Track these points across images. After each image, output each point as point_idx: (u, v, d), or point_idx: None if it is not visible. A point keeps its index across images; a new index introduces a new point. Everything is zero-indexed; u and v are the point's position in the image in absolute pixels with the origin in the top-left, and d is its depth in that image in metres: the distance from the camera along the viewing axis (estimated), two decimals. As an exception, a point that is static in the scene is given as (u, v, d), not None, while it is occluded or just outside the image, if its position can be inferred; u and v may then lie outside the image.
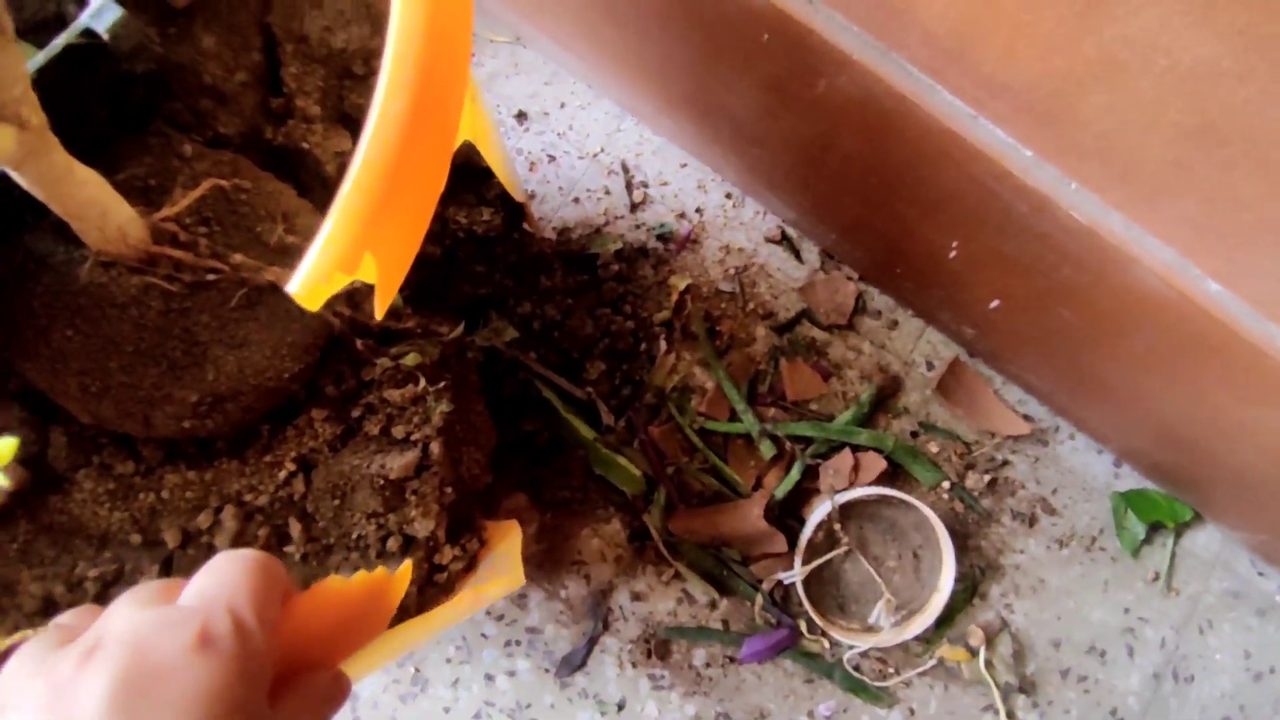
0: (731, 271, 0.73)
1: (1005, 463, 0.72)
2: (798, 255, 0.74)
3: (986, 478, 0.71)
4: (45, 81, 0.35)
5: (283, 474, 0.48)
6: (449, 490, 0.51)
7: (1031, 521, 0.71)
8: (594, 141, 0.75)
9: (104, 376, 0.43)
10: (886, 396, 0.72)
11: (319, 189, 0.51)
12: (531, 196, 0.73)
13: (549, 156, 0.74)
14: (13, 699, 0.25)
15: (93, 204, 0.38)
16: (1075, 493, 0.72)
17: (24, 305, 0.43)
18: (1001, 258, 0.56)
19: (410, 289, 0.54)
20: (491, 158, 0.49)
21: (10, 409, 0.45)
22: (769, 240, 0.74)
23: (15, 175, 0.34)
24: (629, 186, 0.74)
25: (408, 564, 0.36)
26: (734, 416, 0.70)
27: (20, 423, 0.44)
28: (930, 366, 0.73)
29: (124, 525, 0.46)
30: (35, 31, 0.41)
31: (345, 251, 0.30)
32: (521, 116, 0.75)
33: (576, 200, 0.73)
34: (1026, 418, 0.72)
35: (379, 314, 0.34)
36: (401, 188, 0.31)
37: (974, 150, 0.49)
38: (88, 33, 0.38)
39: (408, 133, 0.31)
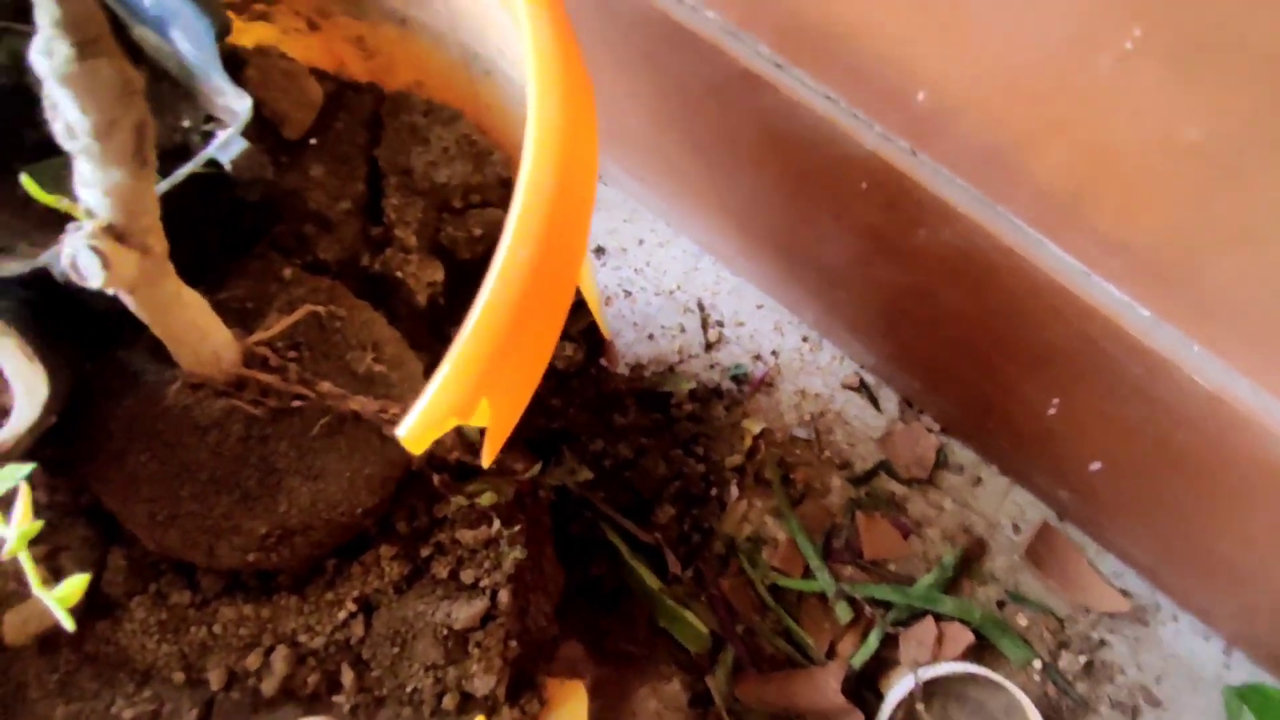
0: (807, 417, 0.71)
1: (1102, 643, 0.66)
2: (876, 403, 0.71)
3: (1082, 659, 0.65)
4: (165, 207, 0.36)
5: (343, 614, 0.45)
6: (513, 644, 0.47)
7: (1134, 714, 0.64)
8: (671, 279, 0.74)
9: (173, 505, 0.41)
10: (971, 560, 0.67)
11: (409, 318, 0.50)
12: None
13: (625, 292, 0.74)
14: None
15: (193, 327, 0.38)
16: (1181, 682, 0.65)
17: (105, 425, 0.42)
18: (1108, 419, 0.53)
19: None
20: (587, 292, 0.48)
21: (76, 527, 0.43)
22: (846, 387, 0.72)
23: (125, 298, 0.33)
24: (704, 325, 0.73)
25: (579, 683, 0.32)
26: (808, 573, 0.66)
27: (83, 542, 0.42)
28: (1017, 529, 0.68)
29: (170, 661, 0.43)
30: (160, 160, 0.41)
31: (462, 397, 0.28)
32: (600, 252, 0.76)
33: (651, 337, 0.73)
34: (1124, 593, 0.66)
35: (487, 460, 0.31)
36: (522, 333, 0.30)
37: (1086, 307, 0.47)
38: (211, 162, 0.38)
39: (532, 278, 0.30)
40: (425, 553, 0.47)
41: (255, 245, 0.49)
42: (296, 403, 0.43)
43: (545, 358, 0.33)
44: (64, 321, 0.41)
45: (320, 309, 0.45)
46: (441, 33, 0.46)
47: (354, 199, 0.51)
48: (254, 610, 0.44)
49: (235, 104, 0.40)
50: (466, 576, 0.47)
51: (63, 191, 0.42)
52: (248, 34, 0.46)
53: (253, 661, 0.44)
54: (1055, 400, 0.56)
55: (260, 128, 0.47)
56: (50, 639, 0.42)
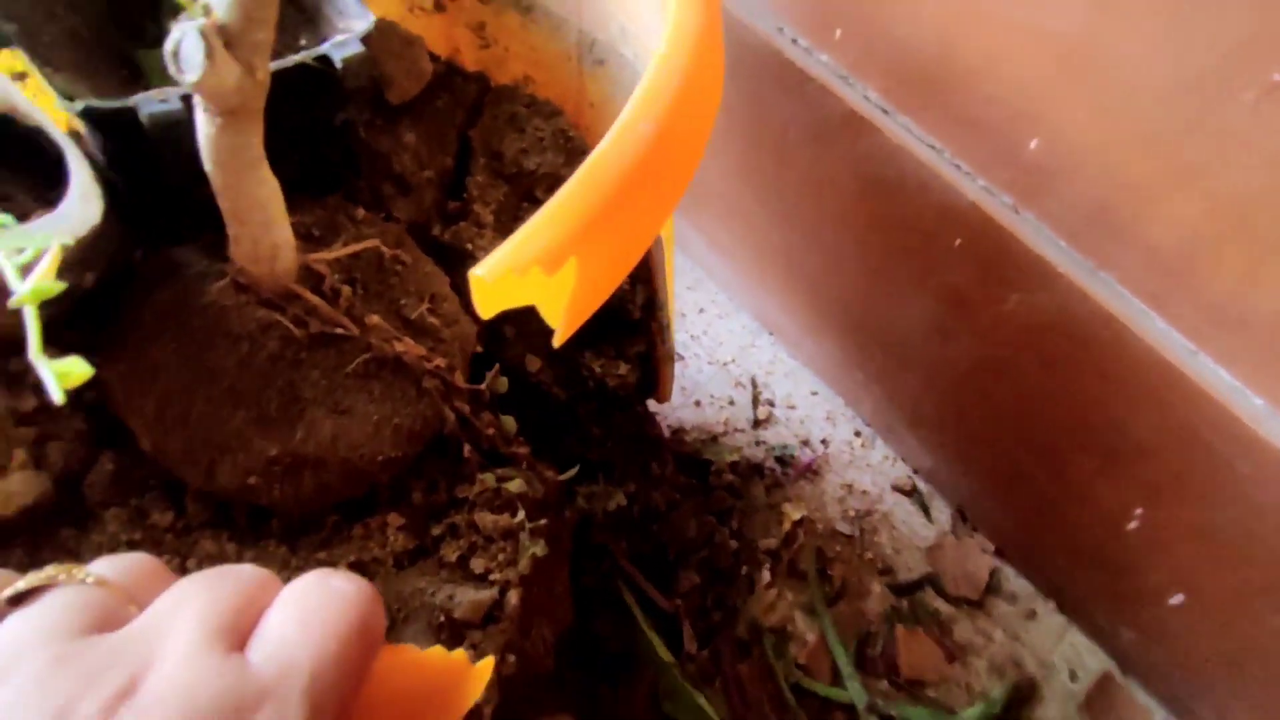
0: (851, 513, 0.66)
1: (1167, 825, 0.57)
2: (927, 512, 0.66)
3: (1143, 839, 0.56)
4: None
5: (331, 579, 0.40)
6: (511, 658, 0.41)
7: None
8: (726, 351, 0.72)
9: (186, 404, 0.38)
10: (1021, 701, 0.60)
11: (467, 293, 0.48)
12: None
13: (678, 355, 0.71)
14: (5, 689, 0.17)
15: (261, 208, 0.35)
16: None
17: (137, 313, 0.39)
18: (1201, 535, 0.48)
19: (524, 422, 0.48)
20: (667, 293, 0.46)
21: (73, 420, 0.39)
22: (897, 489, 0.67)
23: (209, 146, 0.32)
24: (755, 402, 0.70)
25: (490, 660, 0.27)
26: (836, 679, 0.59)
27: (76, 435, 0.38)
28: (1074, 676, 0.61)
29: (129, 592, 0.38)
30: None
31: (552, 246, 0.26)
32: (656, 316, 0.74)
33: (698, 404, 0.69)
34: (1194, 770, 0.58)
35: (559, 340, 0.28)
36: (623, 208, 0.27)
37: (1189, 390, 0.44)
38: (323, 59, 0.38)
39: (645, 156, 0.27)
40: (436, 532, 0.42)
41: (329, 195, 0.48)
42: (339, 331, 0.40)
43: (638, 252, 0.30)
44: (130, 199, 0.39)
45: (386, 249, 0.43)
46: (564, 18, 0.47)
47: (438, 171, 0.50)
48: (236, 550, 0.39)
49: (357, 24, 0.40)
50: (477, 565, 0.42)
51: (165, 78, 0.42)
52: (374, 5, 0.47)
53: (219, 610, 0.38)
54: (1138, 511, 0.51)
55: (368, 82, 0.47)
56: (3, 533, 0.37)
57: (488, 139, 0.51)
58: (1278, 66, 0.34)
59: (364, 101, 0.43)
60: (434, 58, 0.53)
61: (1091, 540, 0.56)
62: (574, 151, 0.51)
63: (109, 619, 0.19)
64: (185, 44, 0.27)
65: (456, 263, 0.49)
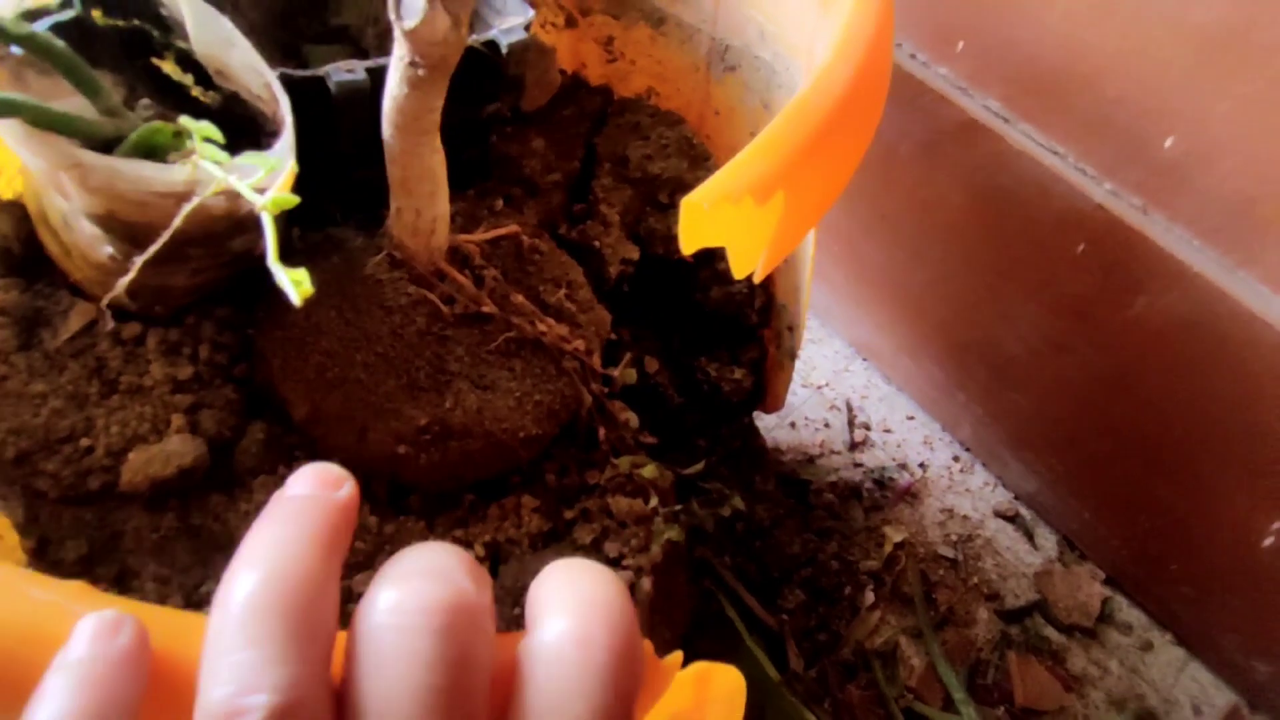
0: (953, 538, 0.64)
1: None
2: (1031, 538, 0.65)
3: None
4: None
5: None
6: (643, 647, 0.40)
7: None
8: (820, 375, 0.72)
9: (345, 367, 0.38)
10: (1144, 736, 0.57)
11: (597, 285, 0.48)
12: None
13: (771, 378, 0.71)
14: None
15: (430, 177, 0.37)
16: None
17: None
18: (1348, 548, 0.46)
19: (647, 420, 0.48)
20: (805, 289, 0.46)
21: (225, 389, 0.39)
22: (999, 515, 0.65)
23: (394, 108, 0.33)
24: (850, 425, 0.69)
25: (678, 655, 0.26)
26: (948, 705, 0.56)
27: (228, 404, 0.39)
28: (1197, 711, 0.58)
29: (273, 561, 0.38)
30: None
31: (763, 178, 0.26)
32: (746, 341, 0.74)
33: (793, 425, 0.69)
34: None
35: (760, 276, 0.28)
36: (825, 150, 0.28)
37: (1339, 391, 0.43)
38: (489, 44, 0.39)
39: (843, 100, 0.28)
40: (569, 515, 0.42)
41: (464, 189, 0.49)
42: (485, 309, 0.41)
43: (834, 194, 0.30)
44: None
45: (525, 236, 0.45)
46: (696, 28, 0.49)
47: (565, 174, 0.52)
48: (378, 523, 0.39)
49: (516, 18, 0.42)
50: (610, 549, 0.41)
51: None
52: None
53: (361, 582, 0.38)
54: (1275, 525, 0.49)
55: (505, 89, 0.49)
56: (159, 496, 0.37)
57: (612, 145, 0.53)
58: None
59: (516, 93, 0.44)
60: (560, 72, 0.56)
61: (1221, 562, 0.54)
62: (697, 158, 0.52)
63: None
64: (409, -9, 0.28)
65: (584, 258, 0.50)
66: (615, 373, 0.45)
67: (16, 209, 0.41)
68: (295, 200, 0.25)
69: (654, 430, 0.53)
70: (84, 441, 0.37)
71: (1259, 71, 0.39)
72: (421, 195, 0.37)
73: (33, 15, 0.33)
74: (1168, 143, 0.44)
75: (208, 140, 0.27)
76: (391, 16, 0.29)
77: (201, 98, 0.35)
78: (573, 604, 0.18)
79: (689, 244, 0.27)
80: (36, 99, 0.28)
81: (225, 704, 0.15)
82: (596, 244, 0.49)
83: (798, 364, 0.72)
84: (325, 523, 0.18)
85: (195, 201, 0.26)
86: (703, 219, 0.26)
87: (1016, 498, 0.66)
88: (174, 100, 0.37)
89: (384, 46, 0.45)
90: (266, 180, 0.26)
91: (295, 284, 0.24)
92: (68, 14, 0.33)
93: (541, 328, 0.42)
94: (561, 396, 0.42)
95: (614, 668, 0.17)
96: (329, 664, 0.17)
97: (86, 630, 0.17)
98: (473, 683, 0.16)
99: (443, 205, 0.39)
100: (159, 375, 0.39)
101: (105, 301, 0.35)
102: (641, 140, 0.53)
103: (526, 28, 0.41)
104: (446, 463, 0.39)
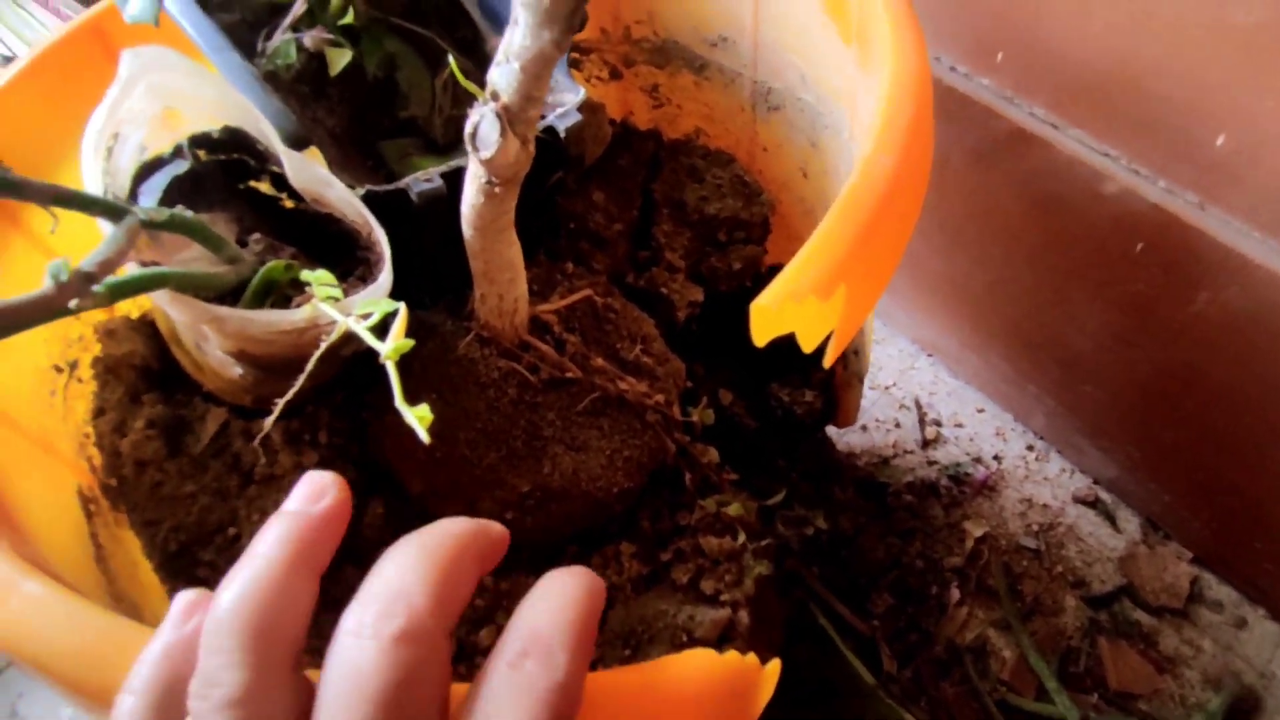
0: (1034, 528, 0.65)
1: None
2: (1114, 522, 0.65)
3: None
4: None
5: (577, 604, 0.43)
6: (745, 675, 0.43)
7: None
8: (886, 375, 0.73)
9: (451, 446, 0.42)
10: (1243, 712, 0.57)
11: (668, 331, 0.51)
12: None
13: (839, 383, 0.73)
14: None
15: (510, 266, 0.40)
16: None
17: (404, 365, 0.44)
18: None
19: (727, 449, 0.51)
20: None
21: (346, 470, 0.44)
22: (1079, 501, 0.66)
23: (472, 214, 0.36)
24: (921, 423, 0.70)
25: (777, 662, 0.29)
26: (1041, 695, 0.58)
27: (349, 484, 0.43)
28: (1297, 685, 0.58)
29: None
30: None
31: (824, 276, 0.28)
32: (811, 346, 0.76)
33: (865, 428, 0.71)
34: None
35: (829, 361, 0.31)
36: (879, 232, 0.30)
37: None
38: (548, 130, 0.42)
39: (890, 183, 0.30)
40: (665, 557, 0.45)
41: (535, 254, 0.52)
42: (569, 374, 0.44)
43: (890, 272, 0.32)
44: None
45: (598, 298, 0.47)
46: (737, 73, 0.51)
47: (627, 223, 0.54)
48: (494, 581, 0.43)
49: (568, 96, 0.45)
50: (707, 587, 0.44)
51: (405, 164, 0.47)
52: (555, 80, 0.52)
53: (485, 637, 0.42)
54: (1361, 504, 0.49)
55: (561, 152, 0.52)
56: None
57: (669, 191, 0.55)
58: None
59: (578, 165, 0.47)
60: (610, 121, 0.58)
61: (1307, 540, 0.54)
62: (751, 195, 0.54)
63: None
64: (483, 126, 0.31)
65: (652, 306, 0.52)
66: (695, 417, 0.48)
67: (147, 327, 0.46)
68: (411, 344, 0.28)
69: (733, 456, 0.56)
70: (231, 531, 0.42)
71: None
72: (503, 282, 0.41)
73: (150, 168, 0.37)
74: (1219, 140, 0.44)
75: (324, 284, 0.31)
76: (469, 148, 0.32)
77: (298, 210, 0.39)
78: (514, 630, 0.22)
79: (760, 338, 0.30)
80: (170, 256, 0.32)
81: (192, 697, 0.20)
82: (664, 290, 0.52)
83: (864, 366, 0.74)
84: (299, 538, 0.22)
85: (324, 347, 0.30)
86: (771, 318, 0.29)
87: (1095, 481, 0.67)
88: (275, 220, 0.41)
89: (449, 132, 0.48)
90: (381, 320, 0.30)
91: (420, 420, 0.27)
92: (182, 166, 0.36)
93: (623, 386, 0.45)
94: (648, 449, 0.45)
95: (544, 693, 0.20)
96: (291, 665, 0.21)
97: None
98: (416, 694, 0.20)
99: (522, 287, 0.42)
100: (287, 463, 0.43)
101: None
102: (696, 183, 0.55)
103: (580, 108, 0.43)
104: (550, 523, 0.43)
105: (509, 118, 0.32)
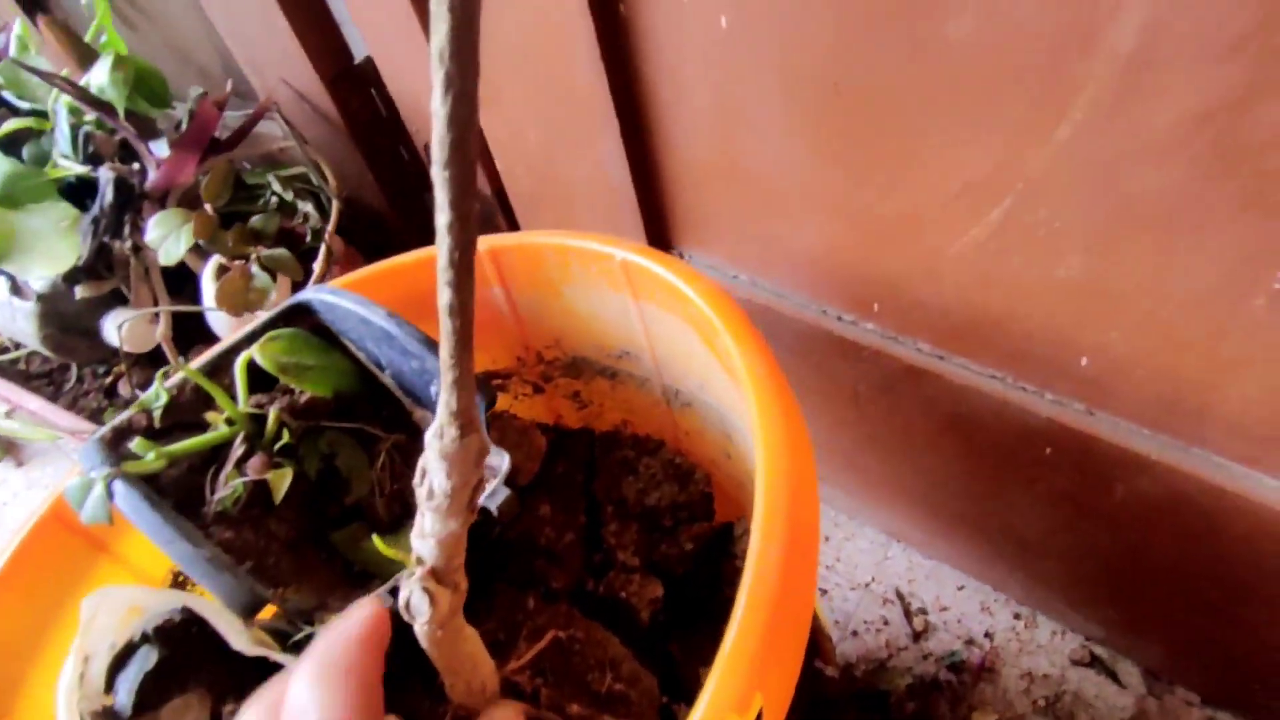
0: (1041, 702, 0.66)
1: None
2: (1116, 678, 0.66)
3: None
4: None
5: None
6: None
7: None
8: (863, 571, 0.75)
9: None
10: None
11: (633, 635, 0.53)
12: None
13: (820, 590, 0.75)
14: None
15: (469, 659, 0.42)
16: None
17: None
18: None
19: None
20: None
21: None
22: (1076, 663, 0.67)
23: (428, 633, 0.39)
24: (908, 615, 0.72)
25: None
26: None
27: None
28: (1341, 816, 0.58)
29: None
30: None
31: (739, 693, 0.31)
32: (786, 554, 0.78)
33: (855, 633, 0.72)
34: None
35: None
36: (781, 628, 0.33)
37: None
38: (482, 511, 0.45)
39: (783, 576, 0.33)
40: None
41: (493, 584, 0.55)
42: (549, 727, 0.45)
43: (799, 659, 0.35)
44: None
45: (562, 634, 0.49)
46: (646, 378, 0.55)
47: (576, 531, 0.57)
48: None
49: (494, 460, 0.48)
50: None
51: (357, 550, 0.50)
52: (482, 405, 0.56)
53: None
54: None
55: (496, 522, 0.55)
56: None
57: (609, 489, 0.58)
58: (1275, 277, 0.39)
59: (513, 516, 0.50)
60: (543, 426, 0.62)
61: (1297, 680, 0.55)
62: (684, 476, 0.58)
63: None
64: (414, 599, 0.34)
65: (615, 612, 0.54)
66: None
67: None
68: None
69: None
70: None
71: (1128, 307, 0.44)
72: (466, 672, 0.43)
73: (122, 657, 0.39)
74: (1084, 362, 0.48)
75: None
76: (405, 617, 0.34)
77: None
78: None
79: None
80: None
81: None
82: (623, 594, 0.54)
83: (840, 567, 0.75)
84: None
85: None
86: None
87: (1088, 639, 0.68)
88: (249, 673, 0.43)
89: (392, 509, 0.52)
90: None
91: None
92: (151, 656, 0.39)
93: (603, 725, 0.46)
94: (643, 785, 0.46)
95: None
96: None
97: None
98: None
99: (485, 667, 0.44)
100: None
101: None
102: (631, 475, 0.58)
103: (507, 480, 0.46)
104: None
105: (438, 577, 0.35)
